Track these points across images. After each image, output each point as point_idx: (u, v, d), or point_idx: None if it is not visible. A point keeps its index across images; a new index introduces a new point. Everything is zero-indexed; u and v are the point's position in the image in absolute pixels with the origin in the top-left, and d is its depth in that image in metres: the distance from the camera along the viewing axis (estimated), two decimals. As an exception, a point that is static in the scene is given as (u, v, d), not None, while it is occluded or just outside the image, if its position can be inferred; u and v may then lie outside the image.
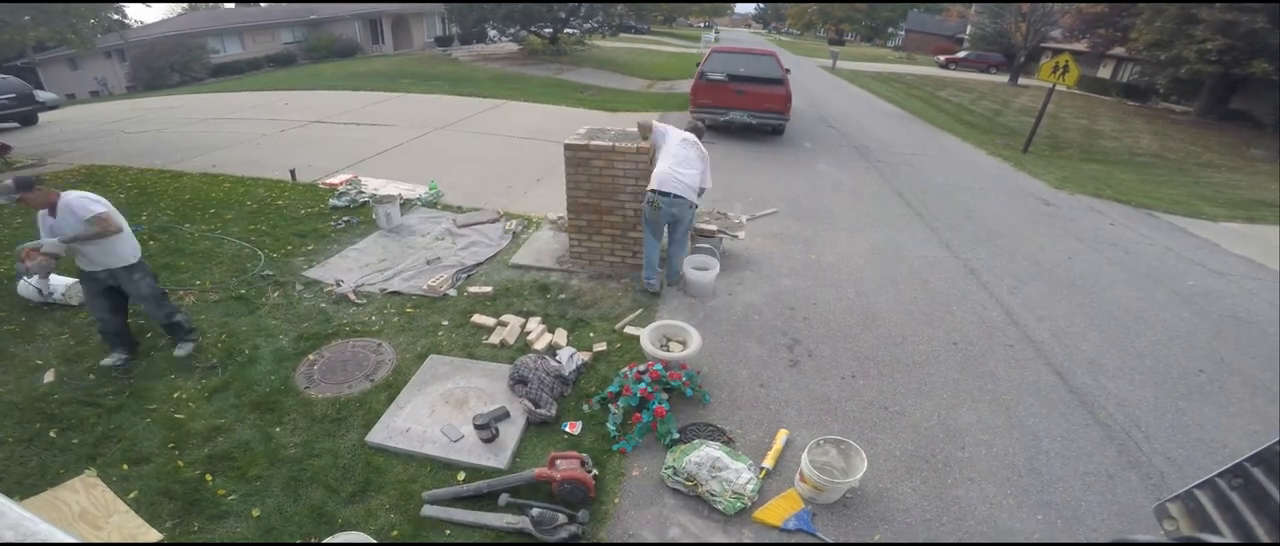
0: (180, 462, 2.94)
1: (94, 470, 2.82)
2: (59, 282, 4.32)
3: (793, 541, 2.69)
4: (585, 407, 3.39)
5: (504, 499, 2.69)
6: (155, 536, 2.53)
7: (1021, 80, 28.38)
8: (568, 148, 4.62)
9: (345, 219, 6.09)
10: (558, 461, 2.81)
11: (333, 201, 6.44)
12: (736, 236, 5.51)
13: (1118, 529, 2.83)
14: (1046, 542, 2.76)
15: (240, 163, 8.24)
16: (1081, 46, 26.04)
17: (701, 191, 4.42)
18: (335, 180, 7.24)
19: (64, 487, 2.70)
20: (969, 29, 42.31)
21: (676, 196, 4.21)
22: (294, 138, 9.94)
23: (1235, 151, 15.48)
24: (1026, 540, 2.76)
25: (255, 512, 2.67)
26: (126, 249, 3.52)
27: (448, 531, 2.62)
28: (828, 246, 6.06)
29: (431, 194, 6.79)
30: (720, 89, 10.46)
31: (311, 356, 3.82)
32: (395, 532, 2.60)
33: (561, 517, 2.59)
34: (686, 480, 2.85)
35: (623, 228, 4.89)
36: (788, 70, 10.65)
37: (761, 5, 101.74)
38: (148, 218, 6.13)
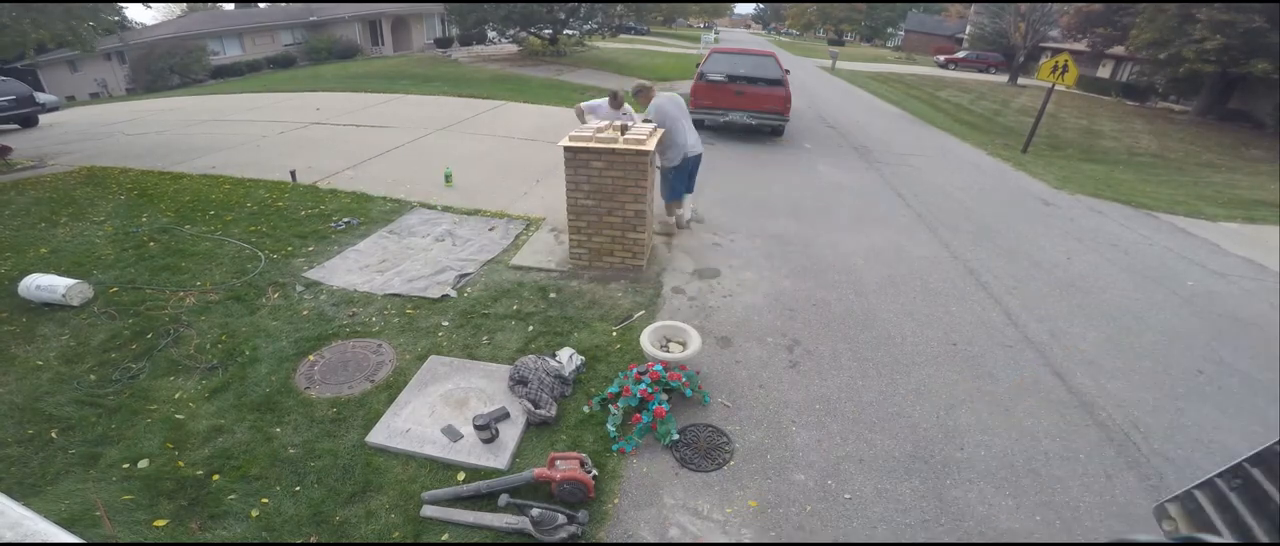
0: (180, 462, 2.94)
1: None
2: (60, 282, 4.33)
3: (790, 542, 2.69)
4: (585, 408, 3.39)
5: (504, 499, 2.69)
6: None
7: (1021, 80, 28.42)
8: (567, 149, 4.63)
9: (345, 220, 6.10)
10: (557, 461, 2.81)
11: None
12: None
13: (1116, 529, 2.83)
14: (1046, 543, 2.76)
15: (240, 164, 8.25)
16: (1081, 46, 26.07)
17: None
18: (338, 185, 7.25)
19: None
20: (968, 29, 42.35)
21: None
22: (294, 139, 9.95)
23: (1235, 151, 15.49)
24: (1025, 540, 2.76)
25: (255, 513, 2.68)
26: None
27: (446, 535, 2.62)
28: (827, 247, 6.06)
29: (447, 184, 7.31)
30: (720, 90, 10.47)
31: (312, 357, 3.83)
32: (396, 534, 2.61)
33: (561, 518, 2.60)
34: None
35: (622, 229, 4.89)
36: (787, 71, 10.67)
37: (761, 6, 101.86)
38: (148, 219, 6.14)
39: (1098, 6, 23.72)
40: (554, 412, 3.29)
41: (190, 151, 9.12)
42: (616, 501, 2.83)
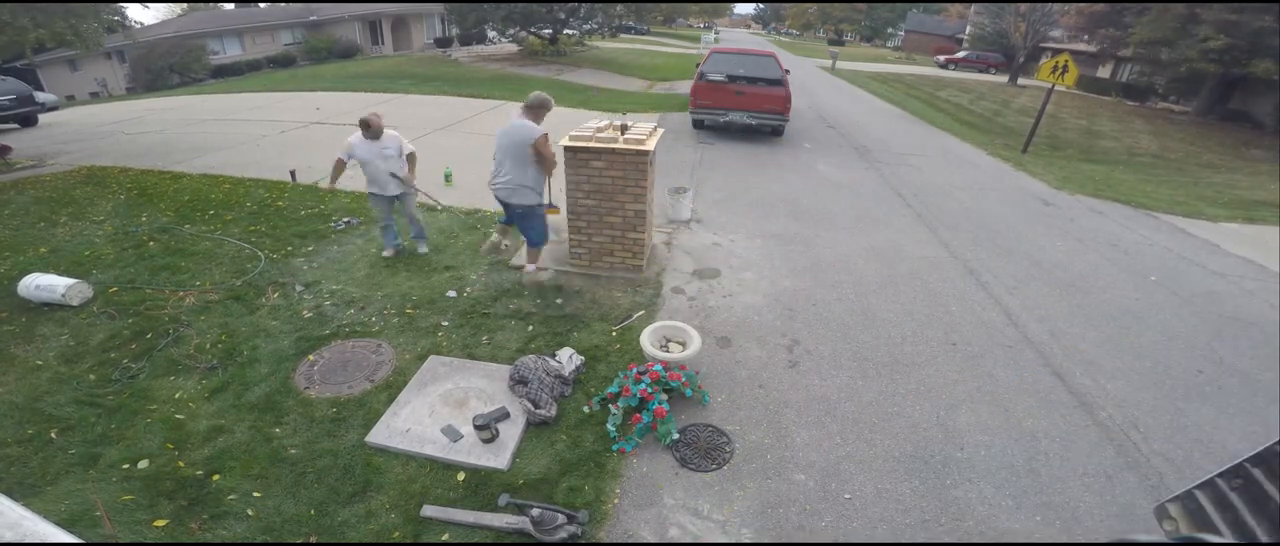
0: (180, 462, 2.94)
1: None
2: (59, 282, 4.32)
3: (790, 541, 2.69)
4: (585, 408, 3.39)
5: (504, 499, 2.69)
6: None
7: (1021, 80, 28.41)
8: (567, 149, 4.63)
9: (345, 219, 6.10)
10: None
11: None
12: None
13: (1117, 529, 2.83)
14: (1046, 543, 2.76)
15: (240, 164, 8.25)
16: (1082, 46, 26.05)
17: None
18: (338, 184, 7.23)
19: None
20: (968, 29, 42.35)
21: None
22: (294, 139, 9.95)
23: (1235, 151, 15.50)
24: (1025, 540, 2.76)
25: (254, 513, 2.67)
26: None
27: (446, 535, 2.62)
28: (827, 247, 6.06)
29: (447, 183, 7.30)
30: (720, 89, 10.47)
31: (311, 357, 3.83)
32: (396, 534, 2.60)
33: (561, 518, 2.60)
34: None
35: (622, 229, 4.89)
36: (787, 71, 10.67)
37: (761, 6, 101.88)
38: (148, 218, 6.14)
39: (1102, 7, 23.69)
40: (554, 412, 3.29)
41: (190, 151, 9.11)
42: (616, 501, 2.83)
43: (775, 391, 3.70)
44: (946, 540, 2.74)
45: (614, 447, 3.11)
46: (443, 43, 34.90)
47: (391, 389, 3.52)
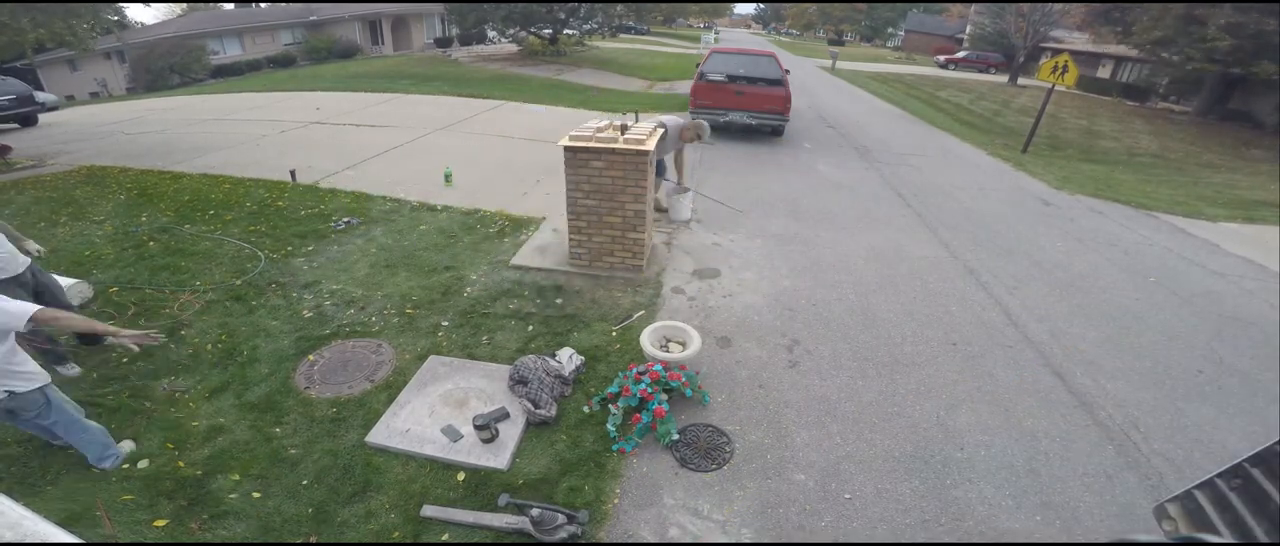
0: (180, 462, 2.94)
1: None
2: (62, 282, 4.31)
3: (791, 541, 2.69)
4: (585, 408, 3.39)
5: (504, 499, 2.69)
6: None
7: (1021, 80, 28.40)
8: (567, 149, 4.63)
9: (345, 219, 6.10)
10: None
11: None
12: None
13: (1116, 529, 2.83)
14: (1046, 543, 2.76)
15: (240, 164, 8.25)
16: (1082, 45, 25.99)
17: None
18: (338, 184, 7.24)
19: None
20: (968, 29, 42.36)
21: None
22: (294, 139, 9.94)
23: (1235, 151, 15.49)
24: (1025, 540, 2.76)
25: (254, 513, 2.67)
26: None
27: (446, 535, 2.62)
28: (827, 247, 6.06)
29: (447, 184, 7.26)
30: (720, 90, 10.47)
31: (311, 357, 3.83)
32: (396, 534, 2.61)
33: (561, 518, 2.60)
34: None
35: (622, 229, 4.89)
36: (787, 71, 10.67)
37: (761, 6, 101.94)
38: (148, 218, 6.14)
39: (1103, 5, 23.65)
40: (554, 412, 3.29)
41: (190, 151, 9.11)
42: (616, 501, 2.83)
43: (775, 391, 3.70)
44: (946, 540, 2.75)
45: (614, 447, 3.11)
46: (443, 43, 34.90)
47: (391, 389, 3.52)
